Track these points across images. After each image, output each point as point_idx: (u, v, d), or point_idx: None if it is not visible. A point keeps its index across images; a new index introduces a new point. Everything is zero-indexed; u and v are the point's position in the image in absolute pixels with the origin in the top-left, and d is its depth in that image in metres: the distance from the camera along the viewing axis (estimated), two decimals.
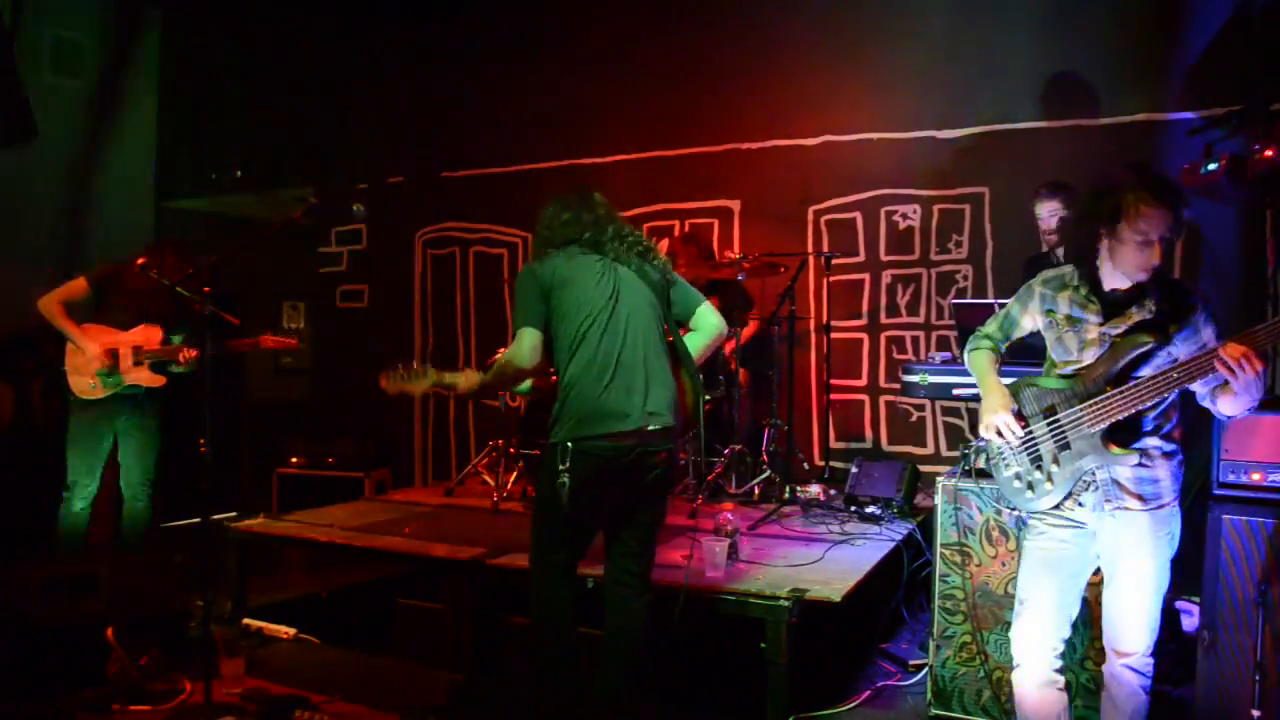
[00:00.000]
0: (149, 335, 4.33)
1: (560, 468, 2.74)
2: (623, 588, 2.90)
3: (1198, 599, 2.84)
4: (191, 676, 3.34)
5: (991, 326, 2.69)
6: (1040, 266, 4.21)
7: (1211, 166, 3.79)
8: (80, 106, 6.73)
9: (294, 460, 6.19)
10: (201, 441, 3.10)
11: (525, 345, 2.83)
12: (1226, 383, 2.27)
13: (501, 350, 2.93)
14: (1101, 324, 2.41)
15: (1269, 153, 3.56)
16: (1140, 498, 2.38)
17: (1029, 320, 2.60)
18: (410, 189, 6.86)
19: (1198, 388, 2.36)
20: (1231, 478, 2.78)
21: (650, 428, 2.78)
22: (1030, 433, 2.49)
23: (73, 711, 3.14)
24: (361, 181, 6.86)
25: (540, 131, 6.37)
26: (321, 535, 4.13)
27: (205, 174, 7.23)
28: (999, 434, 2.50)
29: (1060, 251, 4.27)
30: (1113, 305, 2.41)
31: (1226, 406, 2.35)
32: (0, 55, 4.51)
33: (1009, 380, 2.58)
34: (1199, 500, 2.80)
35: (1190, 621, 3.41)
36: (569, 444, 2.75)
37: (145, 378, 4.32)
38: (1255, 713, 2.59)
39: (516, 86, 6.45)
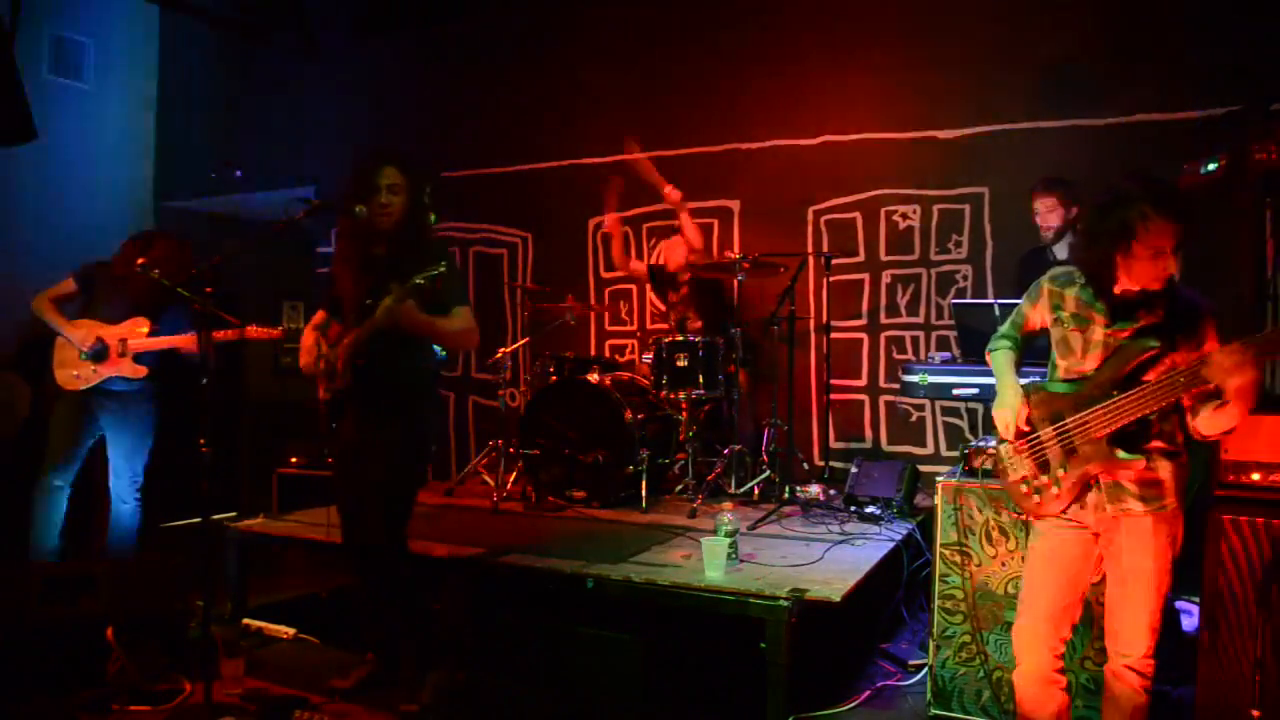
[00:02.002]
0: (135, 328, 4.35)
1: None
2: None
3: (1198, 599, 2.84)
4: (191, 676, 3.35)
5: (1006, 325, 2.72)
6: (1036, 261, 4.24)
7: (1211, 166, 3.79)
8: (80, 106, 6.73)
9: (294, 460, 6.18)
10: (201, 441, 3.11)
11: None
12: (1208, 397, 2.27)
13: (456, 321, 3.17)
14: (1108, 327, 2.41)
15: (1269, 153, 3.55)
16: (1144, 500, 2.39)
17: (1037, 316, 2.61)
18: None
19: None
20: (1231, 478, 2.78)
21: None
22: (1037, 438, 2.50)
23: (73, 711, 3.14)
24: None
25: (540, 131, 6.38)
26: (321, 535, 4.12)
27: (205, 174, 7.23)
28: (1003, 429, 2.53)
29: (1056, 248, 4.29)
30: (1120, 309, 2.39)
31: (1205, 424, 2.32)
32: (0, 55, 4.50)
33: (1024, 381, 2.61)
34: (1199, 500, 2.80)
35: (1190, 621, 3.42)
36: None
37: (128, 369, 4.33)
38: (1255, 713, 2.59)
39: (516, 86, 6.45)
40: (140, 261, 4.28)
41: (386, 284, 3.01)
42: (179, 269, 4.08)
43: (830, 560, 3.60)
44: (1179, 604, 3.51)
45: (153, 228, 6.75)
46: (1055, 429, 2.46)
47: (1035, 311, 2.60)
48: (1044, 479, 2.49)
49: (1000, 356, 2.69)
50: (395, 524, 3.18)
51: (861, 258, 5.51)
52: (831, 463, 5.25)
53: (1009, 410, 2.52)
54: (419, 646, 3.19)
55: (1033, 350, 2.75)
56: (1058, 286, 2.53)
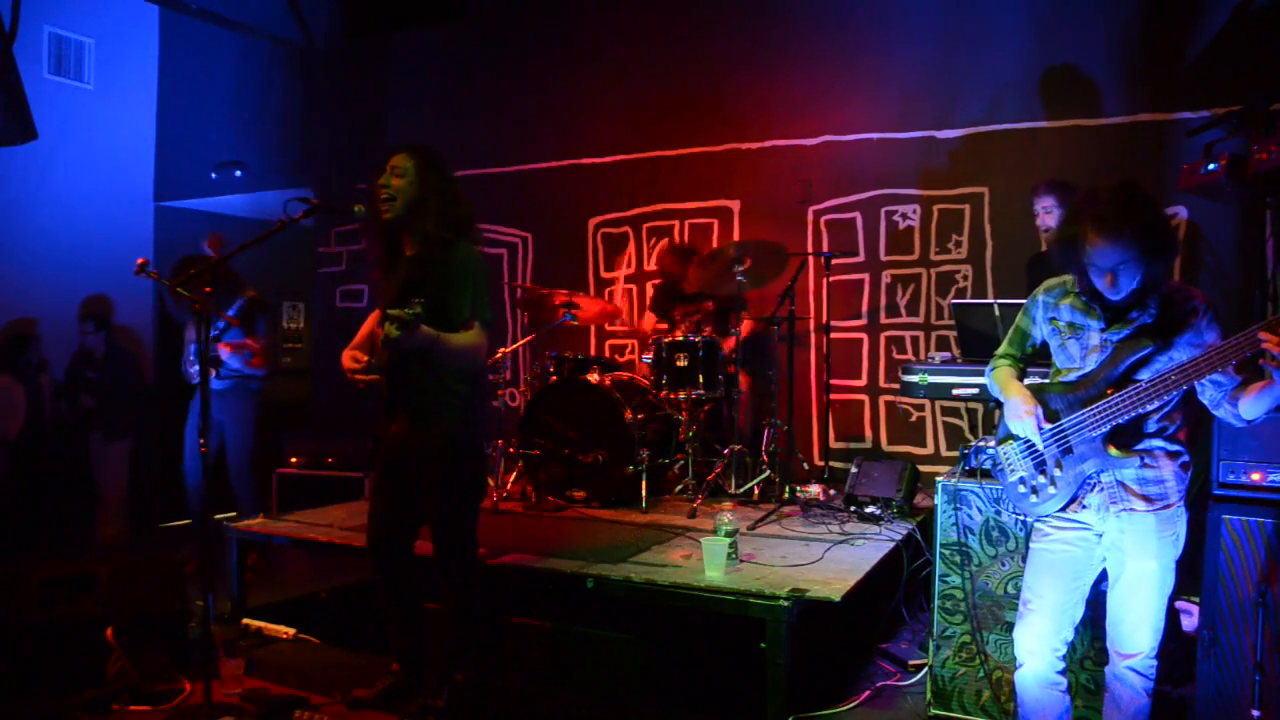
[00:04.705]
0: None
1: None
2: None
3: (1198, 599, 2.84)
4: (191, 676, 3.35)
5: (1005, 344, 2.71)
6: (1040, 266, 4.23)
7: (1211, 166, 3.79)
8: (80, 106, 6.73)
9: (294, 460, 6.19)
10: (202, 441, 3.12)
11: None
12: (1248, 382, 2.27)
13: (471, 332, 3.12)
14: (1103, 330, 2.42)
15: (1269, 153, 3.55)
16: (1146, 499, 2.39)
17: (1037, 331, 2.62)
18: None
19: (1210, 394, 2.36)
20: (1231, 478, 2.78)
21: None
22: None
23: (73, 711, 3.14)
24: (361, 181, 6.86)
25: (540, 131, 6.38)
26: (321, 535, 4.13)
27: (205, 174, 7.23)
28: (1022, 437, 2.51)
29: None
30: (1114, 311, 2.41)
31: (1250, 408, 2.31)
32: (0, 56, 4.50)
33: (1025, 383, 2.60)
34: (1199, 500, 2.80)
35: (1190, 621, 3.41)
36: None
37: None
38: (1255, 713, 2.59)
39: (516, 86, 6.45)
40: (140, 262, 4.29)
41: (410, 290, 2.97)
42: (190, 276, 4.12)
43: (830, 560, 3.60)
44: (1179, 604, 3.51)
45: (160, 237, 6.88)
46: (1052, 428, 2.47)
47: (1035, 326, 2.62)
48: (1041, 479, 2.50)
49: (1002, 373, 2.66)
50: (458, 529, 3.12)
51: (861, 258, 5.51)
52: (831, 463, 5.25)
53: (1029, 419, 2.45)
54: (453, 650, 3.13)
55: (1045, 352, 2.75)
56: (1052, 298, 2.55)
